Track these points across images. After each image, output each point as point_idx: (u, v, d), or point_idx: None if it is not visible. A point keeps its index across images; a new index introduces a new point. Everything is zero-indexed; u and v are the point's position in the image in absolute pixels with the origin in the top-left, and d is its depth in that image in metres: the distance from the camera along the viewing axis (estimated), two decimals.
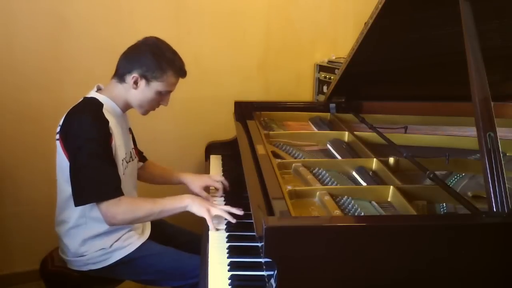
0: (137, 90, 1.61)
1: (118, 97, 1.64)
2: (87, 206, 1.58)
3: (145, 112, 1.69)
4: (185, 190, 1.87)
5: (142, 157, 1.96)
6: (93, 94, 1.64)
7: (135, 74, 1.58)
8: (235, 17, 2.63)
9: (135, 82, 1.59)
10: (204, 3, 2.54)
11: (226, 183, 1.87)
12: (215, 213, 1.56)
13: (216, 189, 1.86)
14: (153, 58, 1.58)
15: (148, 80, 1.59)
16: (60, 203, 1.66)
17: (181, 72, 1.64)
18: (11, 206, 2.37)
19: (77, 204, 1.53)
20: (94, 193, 1.51)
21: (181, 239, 1.86)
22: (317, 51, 2.88)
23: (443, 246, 1.10)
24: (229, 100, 2.26)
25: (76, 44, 2.31)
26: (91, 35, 2.32)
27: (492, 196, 1.11)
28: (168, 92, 1.65)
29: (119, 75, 1.62)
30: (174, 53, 1.64)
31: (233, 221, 1.54)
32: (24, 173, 2.35)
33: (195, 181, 1.87)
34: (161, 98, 1.65)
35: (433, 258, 1.10)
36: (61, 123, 1.59)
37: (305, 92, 2.91)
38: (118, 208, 1.51)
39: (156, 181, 1.99)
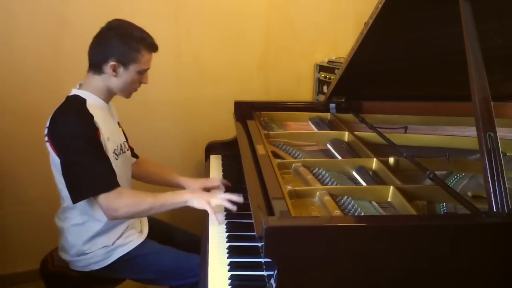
0: (117, 77, 1.60)
1: (98, 89, 1.63)
2: (89, 204, 1.58)
3: (128, 95, 1.68)
4: None
5: (133, 154, 1.93)
6: (75, 91, 1.63)
7: (112, 62, 1.57)
8: (235, 17, 2.63)
9: (114, 70, 1.58)
10: (204, 3, 2.54)
11: (225, 181, 1.87)
12: (215, 203, 1.55)
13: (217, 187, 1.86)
14: (123, 42, 1.57)
15: (125, 65, 1.58)
16: (61, 202, 1.66)
17: (153, 46, 1.63)
18: (11, 206, 2.37)
19: (75, 201, 1.52)
20: (90, 187, 1.50)
21: (180, 239, 1.86)
22: (317, 51, 2.88)
23: (443, 246, 1.10)
24: (229, 100, 2.26)
25: (76, 43, 2.30)
26: (91, 34, 2.29)
27: (492, 196, 1.11)
28: (146, 70, 1.64)
29: (94, 66, 1.61)
30: (140, 30, 1.62)
31: (234, 208, 1.54)
32: (24, 172, 2.35)
33: (194, 183, 1.86)
34: (140, 77, 1.64)
35: (433, 258, 1.10)
36: (47, 124, 1.59)
37: (305, 92, 2.91)
38: (120, 201, 1.50)
39: (152, 179, 1.96)
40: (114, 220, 1.59)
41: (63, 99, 1.64)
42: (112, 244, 1.64)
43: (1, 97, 2.24)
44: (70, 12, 2.27)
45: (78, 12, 2.28)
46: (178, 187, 1.89)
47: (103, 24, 2.37)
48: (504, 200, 1.10)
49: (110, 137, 1.63)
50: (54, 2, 2.24)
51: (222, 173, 2.07)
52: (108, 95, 1.66)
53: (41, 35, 2.24)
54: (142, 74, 1.64)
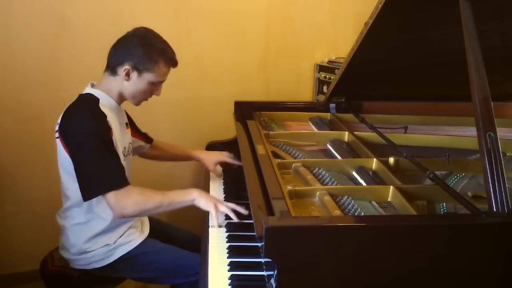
0: (129, 82, 1.61)
1: (112, 90, 1.63)
2: (93, 202, 1.58)
3: (138, 103, 1.69)
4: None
5: (148, 138, 1.98)
6: (88, 90, 1.63)
7: (126, 66, 1.58)
8: (235, 17, 2.63)
9: (127, 74, 1.59)
10: (204, 3, 2.54)
11: (232, 155, 2.03)
12: (221, 209, 1.56)
13: (233, 164, 2.00)
14: (143, 49, 1.57)
15: (139, 72, 1.59)
16: (64, 201, 1.66)
17: (172, 62, 1.64)
18: (11, 206, 2.37)
19: (85, 198, 1.52)
20: (100, 185, 1.50)
21: (180, 239, 1.86)
22: (317, 51, 2.88)
23: (443, 246, 1.10)
24: (229, 100, 2.26)
25: (76, 43, 2.31)
26: (91, 34, 2.32)
27: (492, 196, 1.11)
28: (160, 82, 1.65)
29: (110, 67, 1.62)
30: (164, 43, 1.63)
31: (237, 220, 1.54)
32: (24, 172, 2.35)
33: (210, 158, 2.02)
34: (153, 88, 1.65)
35: (433, 258, 1.10)
36: (59, 121, 1.59)
37: (305, 92, 2.91)
38: (128, 199, 1.49)
39: (170, 157, 2.07)
40: (122, 218, 1.57)
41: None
42: (114, 243, 1.64)
43: (1, 97, 2.24)
44: (70, 12, 2.27)
45: (78, 12, 2.29)
46: (197, 159, 2.05)
47: (103, 24, 2.38)
48: (504, 200, 1.10)
49: (120, 138, 1.64)
50: (54, 2, 2.24)
51: (221, 173, 2.07)
52: (120, 98, 1.67)
53: (41, 35, 2.24)
54: (155, 86, 1.65)
